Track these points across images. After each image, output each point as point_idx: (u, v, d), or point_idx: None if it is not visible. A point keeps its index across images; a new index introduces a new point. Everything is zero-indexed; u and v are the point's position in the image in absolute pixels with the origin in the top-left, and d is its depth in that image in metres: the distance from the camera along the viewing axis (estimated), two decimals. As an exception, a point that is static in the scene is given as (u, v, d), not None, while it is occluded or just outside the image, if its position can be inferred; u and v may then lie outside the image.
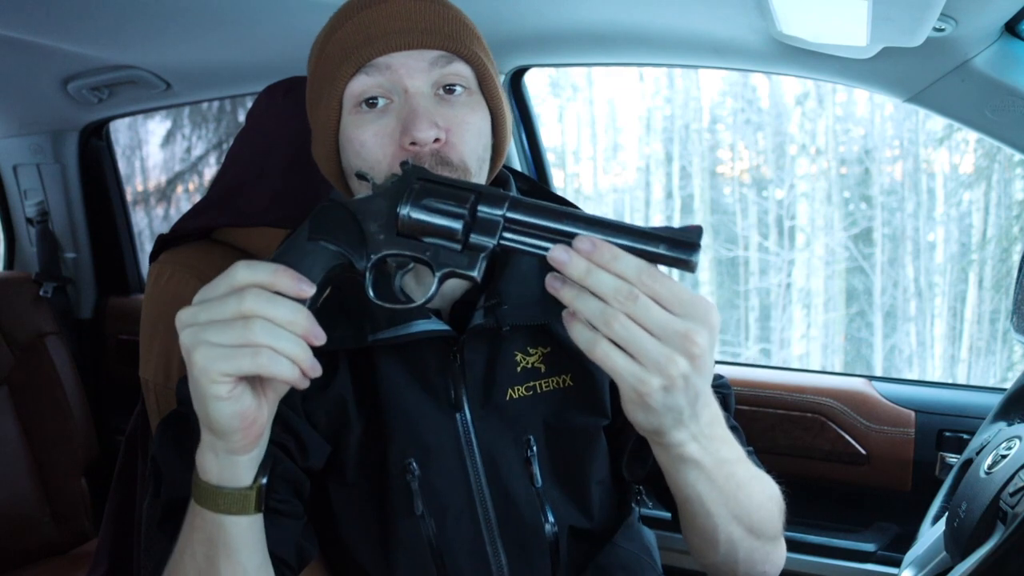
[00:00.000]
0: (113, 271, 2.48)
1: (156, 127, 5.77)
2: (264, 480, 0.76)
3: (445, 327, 0.92)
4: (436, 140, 0.85)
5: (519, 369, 0.95)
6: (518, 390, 0.95)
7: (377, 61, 0.86)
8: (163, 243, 1.29)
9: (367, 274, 0.75)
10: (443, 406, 0.93)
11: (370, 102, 0.87)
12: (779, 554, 0.94)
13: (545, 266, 0.70)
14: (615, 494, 1.02)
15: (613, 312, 0.65)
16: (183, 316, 0.69)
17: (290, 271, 0.69)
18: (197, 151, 5.89)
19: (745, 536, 0.86)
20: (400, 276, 0.78)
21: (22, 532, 2.02)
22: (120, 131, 4.85)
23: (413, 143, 0.84)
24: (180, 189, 5.97)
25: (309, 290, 0.69)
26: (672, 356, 0.66)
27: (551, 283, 0.68)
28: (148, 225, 5.77)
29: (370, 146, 0.87)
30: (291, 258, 0.73)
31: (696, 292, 0.69)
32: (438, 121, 0.85)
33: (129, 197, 2.61)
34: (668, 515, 1.01)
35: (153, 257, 1.29)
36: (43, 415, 2.12)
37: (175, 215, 5.39)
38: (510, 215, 0.71)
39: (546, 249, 0.69)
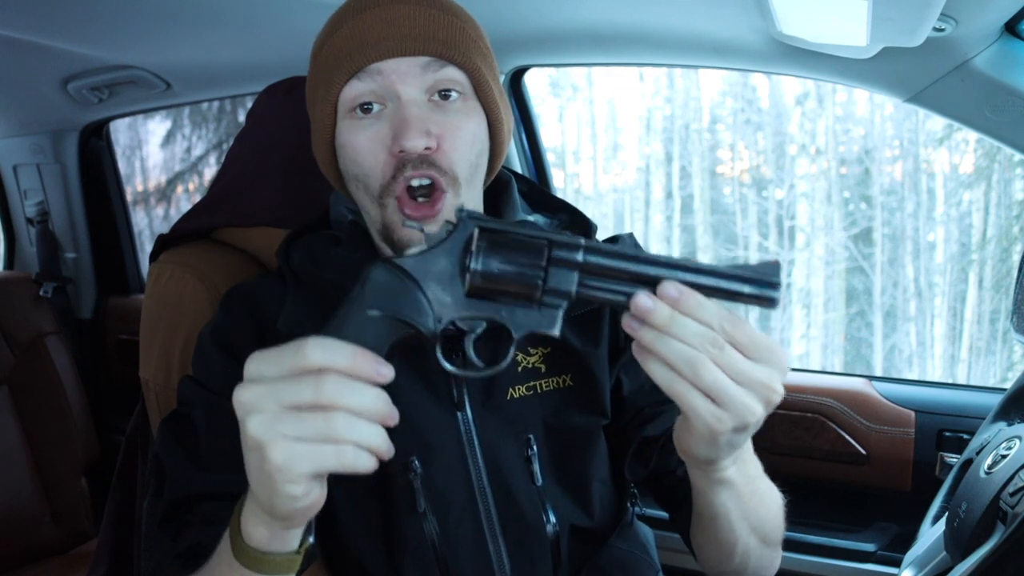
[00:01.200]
0: (113, 271, 2.48)
1: (156, 127, 5.77)
2: (311, 539, 0.72)
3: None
4: (427, 148, 0.85)
5: (520, 369, 0.96)
6: (519, 389, 0.95)
7: (369, 67, 0.86)
8: (163, 243, 1.29)
9: (437, 343, 0.69)
10: (445, 404, 0.94)
11: (364, 107, 0.88)
12: (779, 557, 0.97)
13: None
14: (615, 493, 1.03)
15: (701, 359, 0.64)
16: (245, 399, 0.62)
17: (369, 354, 0.63)
18: (197, 151, 5.89)
19: (758, 545, 0.89)
20: (471, 339, 0.72)
21: (22, 532, 2.02)
22: (120, 131, 4.85)
23: (402, 151, 0.84)
24: (180, 189, 5.97)
25: (389, 374, 0.64)
26: (754, 403, 0.66)
27: (628, 323, 0.66)
28: (148, 225, 5.77)
29: (363, 152, 0.87)
30: (353, 332, 0.66)
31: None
32: (431, 128, 0.85)
33: (129, 197, 2.61)
34: (666, 515, 1.02)
35: (153, 257, 1.29)
36: (43, 415, 2.12)
37: (175, 215, 5.38)
38: (587, 260, 0.66)
39: (624, 296, 0.65)
